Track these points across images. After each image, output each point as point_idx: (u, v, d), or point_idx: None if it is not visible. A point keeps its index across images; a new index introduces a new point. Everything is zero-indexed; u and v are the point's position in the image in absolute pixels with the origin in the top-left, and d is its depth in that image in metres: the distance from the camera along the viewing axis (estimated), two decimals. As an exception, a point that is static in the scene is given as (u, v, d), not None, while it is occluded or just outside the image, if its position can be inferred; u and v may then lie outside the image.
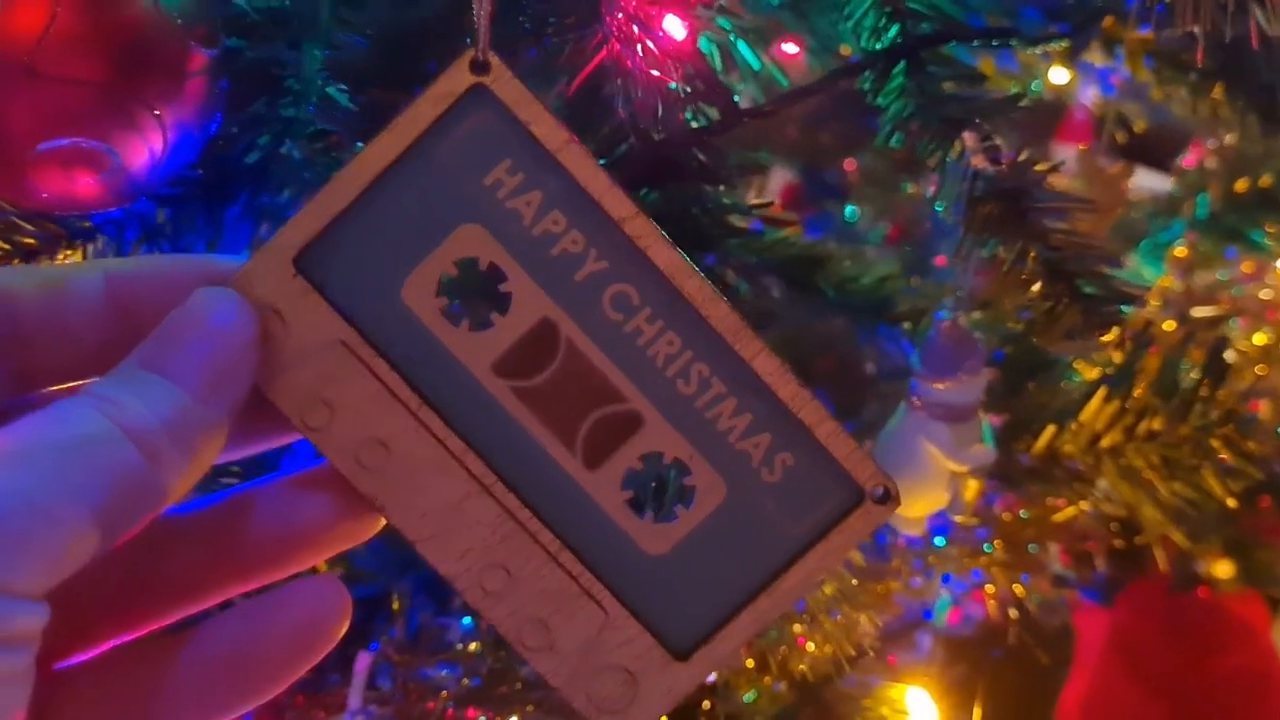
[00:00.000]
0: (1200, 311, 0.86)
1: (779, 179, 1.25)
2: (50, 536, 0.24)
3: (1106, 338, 0.68)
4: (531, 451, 0.31)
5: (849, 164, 1.27)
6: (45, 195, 0.50)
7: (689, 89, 0.56)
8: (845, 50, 0.75)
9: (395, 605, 0.61)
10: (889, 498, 0.31)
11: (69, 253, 0.61)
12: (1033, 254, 0.52)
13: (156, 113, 0.50)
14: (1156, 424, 0.62)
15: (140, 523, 0.26)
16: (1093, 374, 0.65)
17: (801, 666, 0.66)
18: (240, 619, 0.30)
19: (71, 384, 0.31)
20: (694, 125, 0.59)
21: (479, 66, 0.29)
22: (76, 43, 0.48)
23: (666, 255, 0.30)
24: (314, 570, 0.34)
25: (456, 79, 0.29)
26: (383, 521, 0.31)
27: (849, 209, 1.29)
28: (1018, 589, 0.69)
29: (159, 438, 0.26)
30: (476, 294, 0.31)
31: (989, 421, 0.63)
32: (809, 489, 0.31)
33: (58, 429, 0.26)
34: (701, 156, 0.60)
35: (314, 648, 0.30)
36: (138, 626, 0.30)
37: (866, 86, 0.59)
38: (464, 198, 0.30)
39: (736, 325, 0.30)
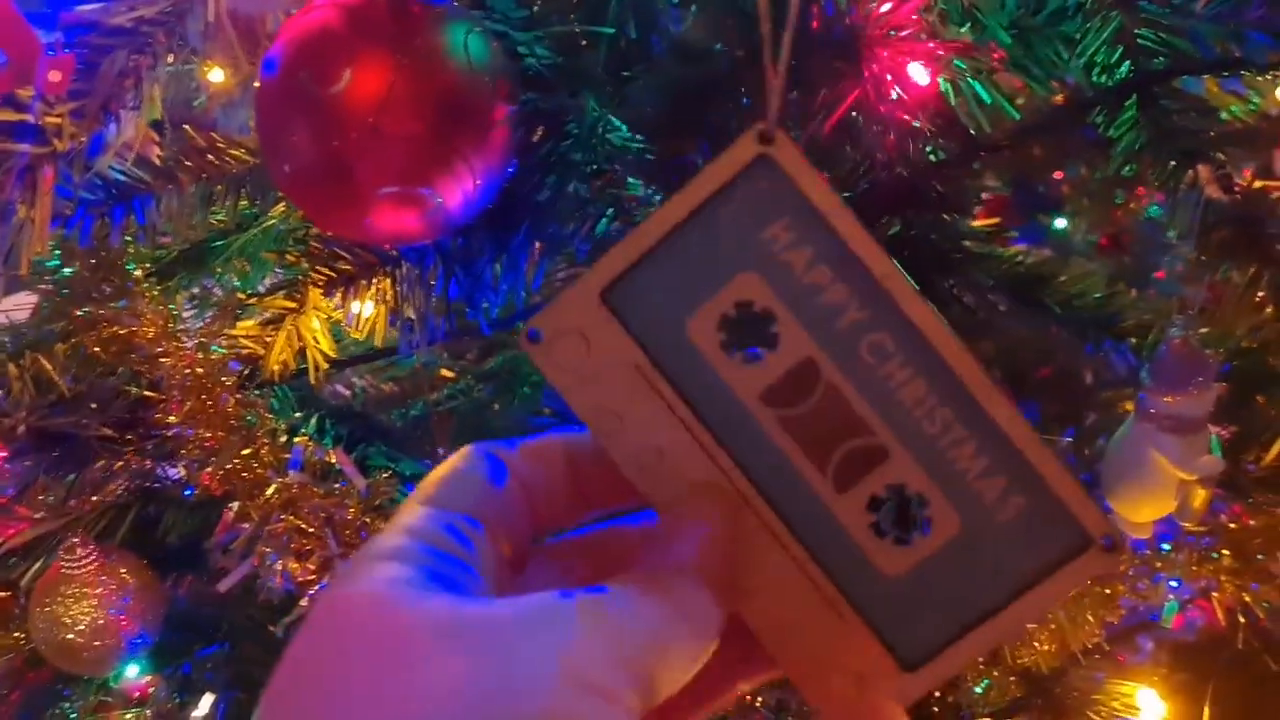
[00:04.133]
0: None
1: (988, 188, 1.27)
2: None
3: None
4: (788, 472, 0.34)
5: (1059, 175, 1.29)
6: (379, 231, 0.59)
7: (931, 128, 0.61)
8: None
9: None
10: (1116, 547, 0.33)
11: (380, 278, 0.71)
12: (1266, 277, 0.55)
13: (469, 161, 0.59)
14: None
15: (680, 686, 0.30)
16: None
17: (1031, 660, 0.70)
18: None
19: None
20: (933, 159, 0.64)
21: (764, 138, 0.33)
22: (410, 104, 0.56)
23: (921, 311, 0.33)
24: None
25: (745, 148, 0.34)
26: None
27: (1060, 222, 1.30)
28: (1246, 596, 0.71)
29: (704, 629, 0.31)
30: (751, 332, 0.35)
31: (1217, 433, 0.66)
32: (1039, 531, 0.33)
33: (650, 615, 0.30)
34: (940, 187, 0.65)
35: None
36: None
37: (1098, 120, 0.63)
38: (744, 249, 0.34)
39: (981, 378, 0.33)
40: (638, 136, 0.59)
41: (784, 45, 0.34)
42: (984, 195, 0.97)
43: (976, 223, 0.91)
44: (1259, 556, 0.71)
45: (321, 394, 0.97)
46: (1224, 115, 0.85)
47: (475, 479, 0.34)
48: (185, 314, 0.88)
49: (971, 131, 0.65)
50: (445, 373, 1.09)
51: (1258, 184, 0.55)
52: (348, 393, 1.00)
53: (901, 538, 0.34)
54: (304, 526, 0.74)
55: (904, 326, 0.34)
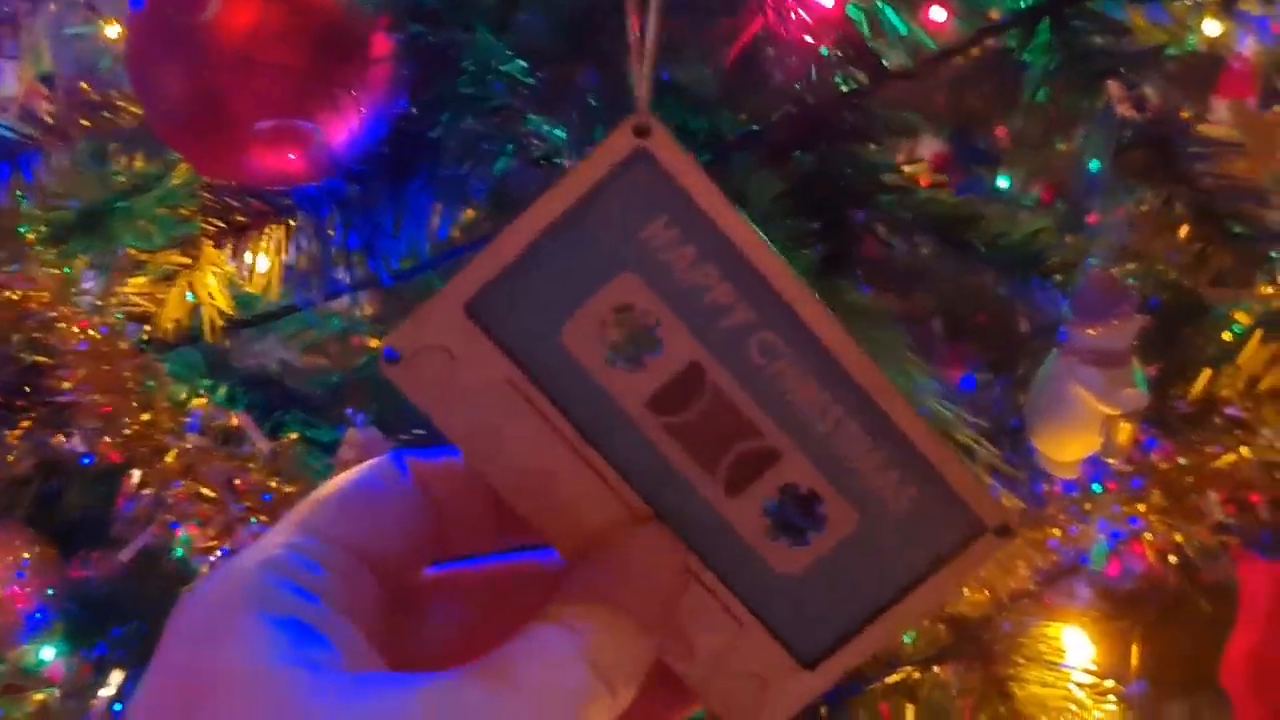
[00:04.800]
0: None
1: (929, 147, 1.25)
2: None
3: (1267, 289, 0.68)
4: (678, 481, 0.33)
5: (1000, 130, 1.27)
6: (260, 170, 0.56)
7: (838, 54, 0.58)
8: (993, 14, 0.76)
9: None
10: (1008, 531, 0.33)
11: (274, 227, 0.68)
12: (1180, 198, 0.53)
13: (353, 94, 0.56)
14: (1318, 366, 0.62)
15: None
16: (1249, 319, 0.65)
17: (960, 610, 0.68)
18: None
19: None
20: (843, 89, 0.62)
21: (641, 130, 0.31)
22: (285, 33, 0.53)
23: (812, 309, 0.32)
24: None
25: (620, 142, 0.31)
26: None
27: (1002, 178, 1.28)
28: (1177, 537, 0.69)
29: (616, 672, 0.29)
30: (631, 337, 0.33)
31: (1141, 367, 0.64)
32: (933, 521, 0.33)
33: (545, 669, 0.28)
34: (851, 118, 0.62)
35: None
36: None
37: (1013, 45, 0.61)
38: (622, 250, 0.32)
39: (874, 373, 0.32)
40: (523, 64, 0.56)
41: (651, 27, 0.31)
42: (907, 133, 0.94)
43: (907, 167, 0.89)
44: (1190, 496, 0.69)
45: (236, 361, 0.94)
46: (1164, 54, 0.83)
47: (369, 502, 0.31)
48: (85, 280, 0.84)
49: (882, 60, 0.63)
50: (372, 341, 1.06)
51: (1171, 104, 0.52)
52: (271, 363, 0.97)
53: (797, 538, 0.33)
54: (205, 491, 0.71)
55: (794, 325, 0.32)
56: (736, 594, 0.33)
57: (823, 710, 0.67)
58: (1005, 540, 0.33)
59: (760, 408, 0.32)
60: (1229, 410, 0.67)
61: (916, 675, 0.68)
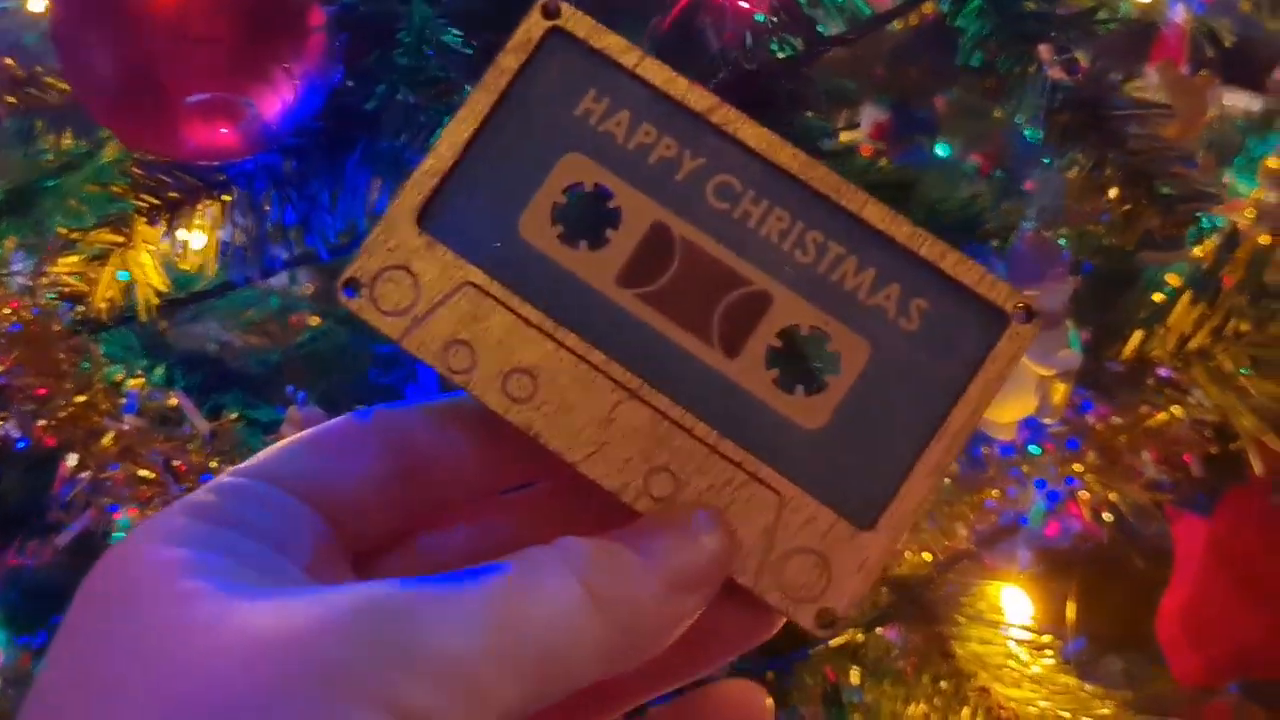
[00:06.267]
0: (1295, 223, 0.86)
1: (869, 118, 1.26)
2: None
3: (1197, 251, 0.70)
4: (671, 351, 0.31)
5: (939, 101, 1.28)
6: (193, 146, 0.55)
7: (774, 20, 0.59)
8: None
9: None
10: (1033, 315, 0.30)
11: (208, 203, 0.67)
12: (1110, 160, 0.54)
13: (286, 66, 0.55)
14: (1244, 325, 0.63)
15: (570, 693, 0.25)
16: (1178, 281, 0.67)
17: (900, 571, 0.69)
18: None
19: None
20: (780, 56, 0.62)
21: (549, 11, 0.32)
22: (217, 5, 0.53)
23: (756, 133, 0.31)
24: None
25: (532, 27, 0.32)
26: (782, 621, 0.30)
27: (940, 146, 1.30)
28: (1112, 496, 0.71)
29: (615, 599, 0.26)
30: (588, 215, 0.32)
31: (1075, 329, 0.65)
32: (951, 326, 0.30)
33: (522, 575, 0.25)
34: (789, 85, 0.63)
35: None
36: None
37: (946, 9, 0.61)
38: (559, 131, 0.32)
39: (837, 182, 0.30)
40: (458, 34, 0.56)
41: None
42: (846, 100, 0.95)
43: (845, 135, 0.89)
44: (1125, 455, 0.71)
45: (173, 342, 0.92)
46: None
47: (316, 445, 0.30)
48: (15, 261, 0.82)
49: (818, 27, 0.63)
50: (312, 320, 1.05)
51: (1099, 66, 0.53)
52: (212, 343, 0.96)
53: (812, 385, 0.31)
54: (144, 473, 0.70)
55: (744, 158, 0.31)
56: (766, 461, 0.30)
57: (769, 675, 0.68)
58: (1033, 326, 0.30)
59: (736, 252, 0.31)
60: (1160, 370, 0.69)
61: (860, 638, 0.69)
